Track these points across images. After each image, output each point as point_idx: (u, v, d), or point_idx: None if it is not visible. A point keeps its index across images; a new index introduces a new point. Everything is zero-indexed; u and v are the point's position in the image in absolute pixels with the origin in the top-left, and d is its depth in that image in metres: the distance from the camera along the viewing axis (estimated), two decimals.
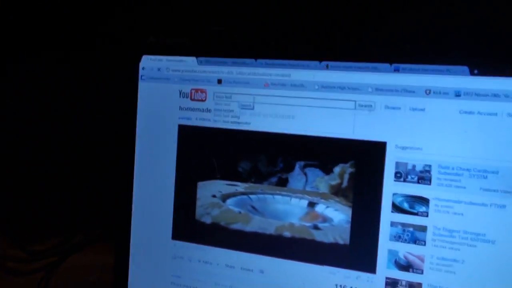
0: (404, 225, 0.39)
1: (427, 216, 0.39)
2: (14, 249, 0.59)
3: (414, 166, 0.39)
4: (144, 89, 0.47)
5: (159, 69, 0.47)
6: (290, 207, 0.43)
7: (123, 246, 0.48)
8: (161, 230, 0.46)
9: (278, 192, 0.43)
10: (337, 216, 0.41)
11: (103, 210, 0.59)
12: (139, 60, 0.47)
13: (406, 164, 0.39)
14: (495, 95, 0.37)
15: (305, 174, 0.42)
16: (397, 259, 0.40)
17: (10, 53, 0.52)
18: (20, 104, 0.55)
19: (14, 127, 0.56)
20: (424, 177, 0.39)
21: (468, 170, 0.38)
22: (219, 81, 0.45)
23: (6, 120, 0.55)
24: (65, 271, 0.58)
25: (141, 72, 0.47)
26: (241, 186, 0.44)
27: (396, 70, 0.40)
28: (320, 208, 0.42)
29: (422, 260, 0.39)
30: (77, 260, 0.59)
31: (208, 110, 0.45)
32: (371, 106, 0.40)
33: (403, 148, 0.39)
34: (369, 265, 0.40)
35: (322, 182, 0.42)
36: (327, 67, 0.42)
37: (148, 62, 0.47)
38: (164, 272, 0.47)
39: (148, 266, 0.47)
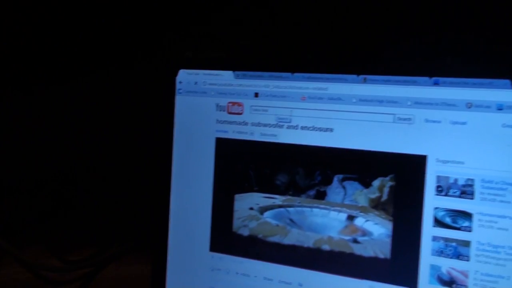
0: (446, 239, 0.39)
1: (470, 231, 0.38)
2: (51, 259, 0.60)
3: (456, 180, 0.39)
4: (181, 102, 0.48)
5: (196, 83, 0.47)
6: (329, 220, 0.43)
7: (161, 258, 0.48)
8: (199, 242, 0.47)
9: (316, 205, 0.43)
10: (377, 230, 0.41)
11: (139, 222, 0.60)
12: (176, 74, 0.48)
13: (447, 178, 0.39)
14: None
15: (344, 187, 0.42)
16: (440, 275, 0.39)
17: (58, 67, 0.53)
18: (61, 117, 0.56)
19: (54, 138, 0.58)
20: (466, 191, 0.38)
21: None
22: (256, 95, 0.45)
23: (48, 131, 0.57)
24: (101, 281, 0.59)
25: (178, 86, 0.48)
26: (278, 199, 0.44)
27: (436, 83, 0.40)
28: (359, 221, 0.42)
29: (466, 276, 0.38)
30: (112, 271, 0.60)
31: (245, 123, 0.45)
32: (410, 119, 0.40)
33: (444, 162, 0.39)
34: (410, 280, 0.40)
35: (361, 195, 0.41)
36: (364, 80, 0.42)
37: (185, 76, 0.48)
38: (202, 284, 0.47)
39: (186, 278, 0.48)
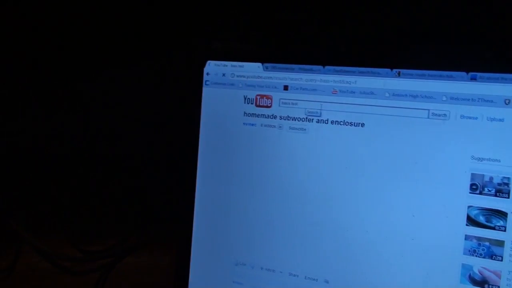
0: (479, 239, 0.38)
1: (504, 230, 0.37)
2: (71, 249, 0.60)
3: (491, 178, 0.38)
4: (208, 94, 0.47)
5: (223, 75, 0.47)
6: None
7: (184, 251, 0.48)
8: (224, 235, 0.46)
9: None
10: None
11: (159, 212, 0.59)
12: (203, 65, 0.47)
13: (482, 176, 0.38)
14: None
15: None
16: (471, 274, 0.38)
17: (86, 58, 0.53)
18: (89, 107, 0.56)
19: (77, 127, 0.57)
20: (502, 190, 0.37)
21: None
22: (285, 88, 0.45)
23: (72, 121, 0.57)
24: (120, 272, 0.59)
25: (205, 77, 0.47)
26: None
27: (473, 78, 0.39)
28: None
29: (499, 276, 0.38)
30: (132, 262, 0.60)
31: (274, 117, 0.45)
32: (445, 115, 0.39)
33: (480, 159, 0.38)
34: None
35: None
36: (398, 74, 0.41)
37: (212, 68, 0.47)
38: (226, 278, 0.47)
39: (210, 272, 0.47)
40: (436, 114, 0.40)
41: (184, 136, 0.48)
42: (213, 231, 0.47)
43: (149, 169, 0.59)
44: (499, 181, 0.38)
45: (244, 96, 0.46)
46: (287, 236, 0.44)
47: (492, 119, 0.38)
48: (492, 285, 0.38)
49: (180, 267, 0.48)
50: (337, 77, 0.43)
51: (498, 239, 0.38)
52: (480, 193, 0.38)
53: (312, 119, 0.43)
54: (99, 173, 0.59)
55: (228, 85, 0.46)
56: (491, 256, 0.38)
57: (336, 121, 0.43)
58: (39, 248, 0.59)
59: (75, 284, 0.59)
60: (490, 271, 0.38)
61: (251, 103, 0.46)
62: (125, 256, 0.59)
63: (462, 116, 0.39)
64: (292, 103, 0.44)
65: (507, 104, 0.38)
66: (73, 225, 0.60)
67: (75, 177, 0.60)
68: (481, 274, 0.38)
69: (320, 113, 0.43)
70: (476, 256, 0.38)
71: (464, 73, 0.39)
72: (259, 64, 0.45)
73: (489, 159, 0.38)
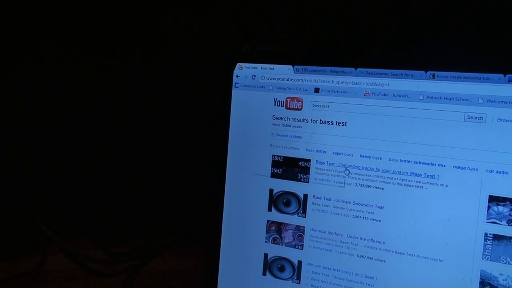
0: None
1: None
2: (96, 250, 0.60)
3: None
4: (237, 96, 0.47)
5: (253, 77, 0.46)
6: None
7: (213, 255, 0.48)
8: (254, 235, 0.46)
9: None
10: None
11: (185, 215, 0.59)
12: (233, 67, 0.47)
13: None
14: None
15: None
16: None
17: (117, 59, 0.53)
18: (117, 109, 0.56)
19: (106, 130, 0.58)
20: None
21: None
22: (316, 90, 0.44)
23: (100, 124, 0.57)
24: (146, 275, 0.59)
25: (235, 79, 0.47)
26: None
27: (511, 81, 0.38)
28: None
29: None
30: (157, 264, 0.60)
31: (304, 120, 0.45)
32: (481, 118, 0.39)
33: None
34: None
35: None
36: (433, 77, 0.40)
37: (242, 70, 0.47)
38: (256, 277, 0.46)
39: (239, 270, 0.47)
40: (472, 117, 0.39)
41: (213, 139, 0.48)
42: (242, 234, 0.47)
43: (177, 171, 0.59)
44: None
45: (274, 98, 0.46)
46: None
47: None
48: None
49: (208, 271, 0.48)
50: (369, 80, 0.42)
51: None
52: None
53: (345, 122, 0.43)
54: (127, 175, 0.60)
55: (258, 87, 0.46)
56: None
57: (368, 123, 0.42)
58: (66, 249, 0.59)
59: (102, 285, 0.59)
60: None
61: (282, 106, 0.45)
62: (151, 259, 0.60)
63: (499, 119, 0.38)
64: (323, 106, 0.44)
65: None
66: (100, 226, 0.60)
67: (103, 179, 0.60)
68: None
69: (353, 116, 0.43)
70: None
71: (501, 75, 0.38)
72: (290, 67, 0.45)
73: None
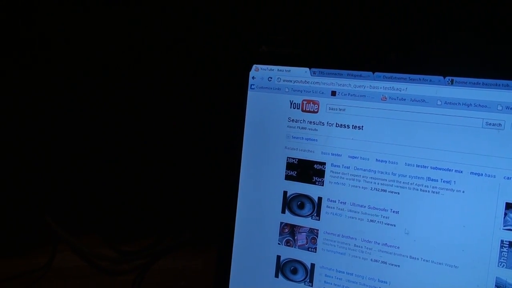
0: None
1: None
2: (105, 249, 0.60)
3: None
4: (253, 98, 0.47)
5: (269, 79, 0.46)
6: None
7: (225, 255, 0.48)
8: (267, 237, 0.46)
9: None
10: None
11: (195, 215, 0.59)
12: (249, 69, 0.47)
13: None
14: None
15: None
16: None
17: (130, 59, 0.53)
18: (130, 107, 0.56)
19: (118, 130, 0.58)
20: None
21: None
22: (333, 93, 0.44)
23: (112, 124, 0.57)
24: (155, 273, 0.59)
25: (250, 81, 0.47)
26: None
27: None
28: None
29: None
30: (166, 264, 0.60)
31: (320, 123, 0.45)
32: (500, 125, 0.39)
33: None
34: None
35: None
36: (451, 82, 0.40)
37: (258, 72, 0.47)
38: (268, 278, 0.46)
39: (251, 272, 0.47)
40: (491, 124, 0.39)
41: (228, 140, 0.48)
42: (255, 235, 0.47)
43: (189, 171, 0.59)
44: None
45: (290, 101, 0.46)
46: None
47: None
48: None
49: (220, 271, 0.48)
50: (387, 84, 0.42)
51: None
52: None
53: (361, 125, 0.43)
54: (138, 175, 0.60)
55: (274, 89, 0.46)
56: None
57: (385, 128, 0.42)
58: (76, 246, 0.59)
59: (111, 284, 0.59)
60: None
61: (297, 108, 0.45)
62: (160, 258, 0.60)
63: None
64: (340, 109, 0.44)
65: None
66: (109, 225, 0.60)
67: (114, 179, 0.60)
68: None
69: (369, 120, 0.43)
70: None
71: None
72: (306, 69, 0.45)
73: None
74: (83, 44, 0.52)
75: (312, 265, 0.45)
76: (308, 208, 0.45)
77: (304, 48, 0.45)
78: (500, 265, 0.38)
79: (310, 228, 0.45)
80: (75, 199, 0.60)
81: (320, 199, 0.44)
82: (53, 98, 0.56)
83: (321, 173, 0.44)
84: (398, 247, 0.41)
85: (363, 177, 0.43)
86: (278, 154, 0.46)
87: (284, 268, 0.46)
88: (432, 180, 0.40)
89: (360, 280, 0.43)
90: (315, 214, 0.44)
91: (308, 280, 0.45)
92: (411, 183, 0.41)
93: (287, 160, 0.46)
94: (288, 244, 0.46)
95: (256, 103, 0.47)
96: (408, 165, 0.41)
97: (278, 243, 0.46)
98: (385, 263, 0.42)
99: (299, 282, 0.45)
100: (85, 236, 0.60)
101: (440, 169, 0.40)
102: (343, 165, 0.43)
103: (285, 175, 0.46)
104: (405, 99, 0.42)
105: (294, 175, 0.45)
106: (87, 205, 0.60)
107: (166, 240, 0.60)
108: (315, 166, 0.44)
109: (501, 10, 0.41)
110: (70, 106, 0.57)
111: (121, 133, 0.59)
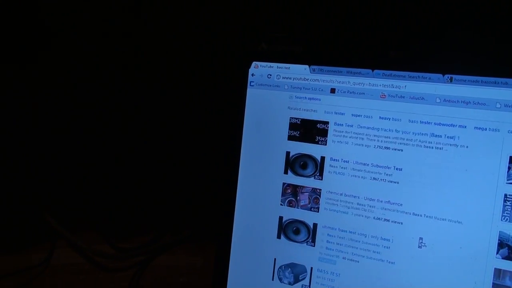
0: None
1: None
2: (103, 245, 0.60)
3: None
4: (252, 95, 0.47)
5: (269, 76, 0.46)
6: None
7: (224, 252, 0.48)
8: (269, 198, 0.46)
9: None
10: None
11: (193, 212, 0.59)
12: (249, 66, 0.47)
13: None
14: None
15: None
16: None
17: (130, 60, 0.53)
18: (130, 105, 0.56)
19: (117, 127, 0.58)
20: None
21: None
22: (332, 90, 0.44)
23: (111, 121, 0.57)
24: (153, 270, 0.59)
25: (250, 78, 0.47)
26: None
27: None
28: None
29: None
30: (165, 260, 0.60)
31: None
32: (498, 122, 0.39)
33: None
34: None
35: None
36: (450, 80, 0.40)
37: (258, 69, 0.47)
38: (271, 239, 0.46)
39: (253, 233, 0.47)
40: (490, 121, 0.39)
41: (227, 136, 0.48)
42: (253, 232, 0.47)
43: (187, 168, 0.59)
44: None
45: (289, 98, 0.46)
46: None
47: None
48: None
49: (218, 268, 0.48)
50: (386, 81, 0.42)
51: None
52: None
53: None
54: (136, 171, 0.60)
55: (273, 86, 0.46)
56: None
57: (384, 125, 0.42)
58: (74, 243, 0.59)
59: (109, 280, 0.59)
60: None
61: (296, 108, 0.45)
62: (159, 255, 0.60)
63: None
64: (339, 106, 0.44)
65: None
66: (108, 221, 0.60)
67: (113, 175, 0.60)
68: None
69: (369, 117, 0.43)
70: None
71: None
72: (306, 66, 0.45)
73: None
74: (83, 43, 0.52)
75: (315, 225, 0.44)
76: (311, 168, 0.45)
77: (304, 46, 0.45)
78: (504, 219, 0.38)
79: (313, 188, 0.45)
80: (73, 196, 0.60)
81: (323, 158, 0.44)
82: (51, 96, 0.56)
83: (324, 133, 0.44)
84: (401, 204, 0.41)
85: (366, 135, 0.43)
86: (278, 150, 0.46)
87: (287, 228, 0.45)
88: (436, 136, 0.40)
89: (362, 238, 0.43)
90: (317, 174, 0.44)
91: (310, 240, 0.45)
92: (414, 140, 0.41)
93: (290, 120, 0.45)
94: (291, 204, 0.45)
95: (256, 100, 0.47)
96: (412, 121, 0.41)
97: (281, 204, 0.46)
98: (388, 220, 0.42)
99: (301, 242, 0.45)
100: (83, 233, 0.60)
101: (443, 124, 0.40)
102: (346, 123, 0.43)
103: (288, 135, 0.45)
104: (404, 97, 0.42)
105: (297, 135, 0.45)
106: (86, 201, 0.60)
107: (165, 237, 0.61)
108: (318, 125, 0.44)
109: (501, 8, 0.41)
110: (69, 104, 0.57)
111: (119, 130, 0.59)
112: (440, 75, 0.41)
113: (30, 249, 0.60)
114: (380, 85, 0.43)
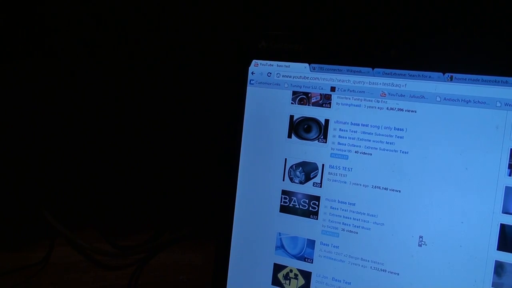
0: None
1: None
2: (103, 243, 0.61)
3: None
4: (252, 93, 0.47)
5: (269, 74, 0.46)
6: None
7: (223, 250, 0.48)
8: (272, 176, 0.46)
9: None
10: None
11: (194, 209, 0.59)
12: (248, 64, 0.47)
13: None
14: None
15: None
16: None
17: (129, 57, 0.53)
18: (129, 102, 0.56)
19: (116, 125, 0.58)
20: None
21: None
22: (332, 89, 0.44)
23: (111, 119, 0.57)
24: (153, 268, 0.59)
25: (250, 76, 0.47)
26: None
27: None
28: None
29: None
30: (165, 258, 0.60)
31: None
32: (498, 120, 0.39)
33: None
34: None
35: None
36: (451, 79, 0.40)
37: (258, 67, 0.47)
38: (267, 274, 0.46)
39: (249, 272, 0.47)
40: (490, 120, 0.39)
41: (227, 135, 0.48)
42: (253, 230, 0.47)
43: (187, 166, 0.59)
44: None
45: (289, 96, 0.46)
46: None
47: None
48: None
49: (218, 266, 0.48)
50: (386, 80, 0.42)
51: None
52: None
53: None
54: (136, 169, 0.60)
55: (273, 85, 0.46)
56: None
57: (384, 123, 0.42)
58: (73, 241, 0.59)
59: (108, 278, 0.59)
60: None
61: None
62: (158, 253, 0.60)
63: None
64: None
65: None
66: (108, 219, 0.60)
67: (112, 173, 0.60)
68: None
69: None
70: None
71: None
72: (306, 65, 0.45)
73: None
74: (83, 43, 0.52)
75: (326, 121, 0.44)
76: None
77: (304, 44, 0.45)
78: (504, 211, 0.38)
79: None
80: (73, 194, 0.60)
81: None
82: (51, 95, 0.56)
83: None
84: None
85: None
86: (278, 148, 0.46)
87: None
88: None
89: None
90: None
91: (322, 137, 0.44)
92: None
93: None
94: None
95: (256, 98, 0.47)
96: None
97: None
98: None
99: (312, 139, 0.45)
100: (83, 231, 0.60)
101: None
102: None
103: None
104: (404, 95, 0.42)
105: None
106: (86, 199, 0.61)
107: (165, 234, 0.61)
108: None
109: (501, 6, 0.41)
110: (68, 103, 0.57)
111: (119, 129, 0.59)
112: (440, 74, 0.41)
113: (30, 247, 0.60)
114: (380, 84, 0.43)
